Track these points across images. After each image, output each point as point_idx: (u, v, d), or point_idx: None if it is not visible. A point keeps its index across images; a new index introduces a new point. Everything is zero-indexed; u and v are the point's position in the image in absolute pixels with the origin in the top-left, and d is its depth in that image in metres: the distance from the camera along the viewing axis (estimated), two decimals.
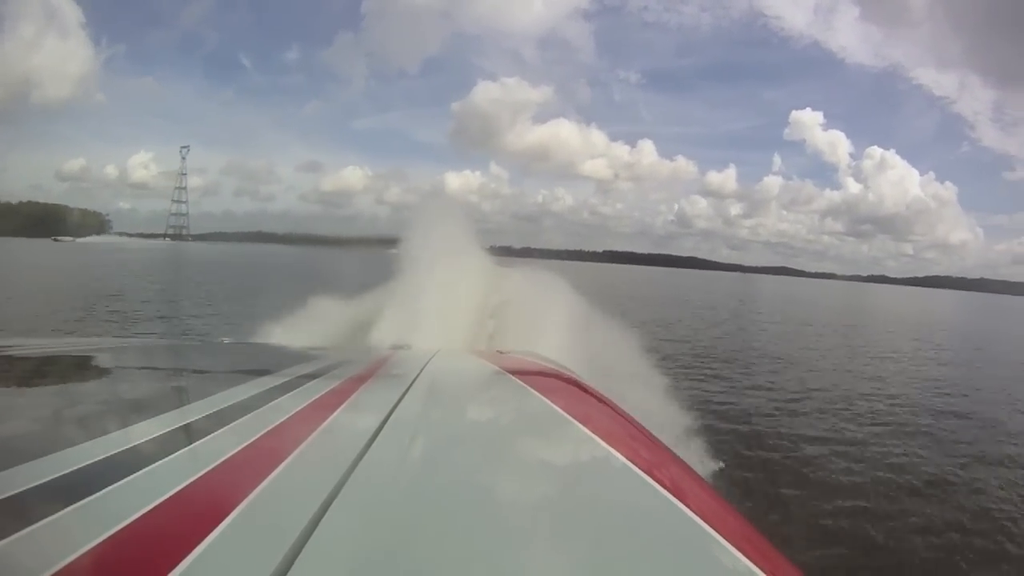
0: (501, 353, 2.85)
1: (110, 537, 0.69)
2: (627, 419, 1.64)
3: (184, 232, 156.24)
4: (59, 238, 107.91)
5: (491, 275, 7.54)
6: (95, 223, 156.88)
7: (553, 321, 5.91)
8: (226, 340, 3.53)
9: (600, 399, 1.82)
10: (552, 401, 1.61)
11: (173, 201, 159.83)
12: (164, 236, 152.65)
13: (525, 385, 1.85)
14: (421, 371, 1.92)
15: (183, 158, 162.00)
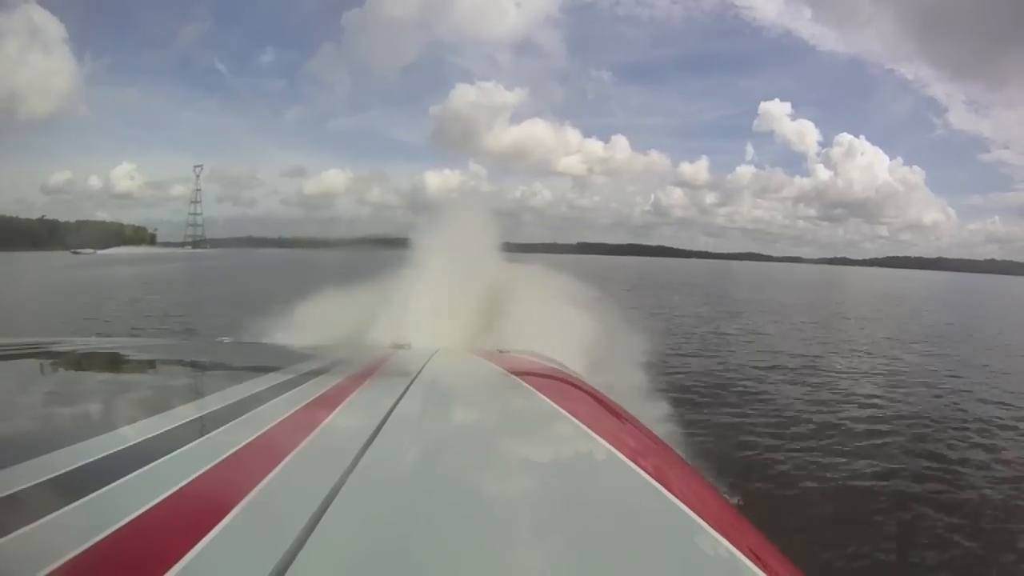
0: (501, 352, 2.73)
1: (111, 534, 0.67)
2: (627, 418, 1.59)
3: (201, 240, 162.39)
4: (78, 250, 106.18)
5: (497, 273, 7.35)
6: (145, 237, 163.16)
7: (557, 318, 5.79)
8: (226, 339, 3.41)
9: (600, 398, 1.75)
10: (552, 400, 1.54)
11: (190, 213, 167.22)
12: (183, 244, 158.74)
13: (525, 384, 1.77)
14: (421, 370, 1.84)
15: (197, 176, 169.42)
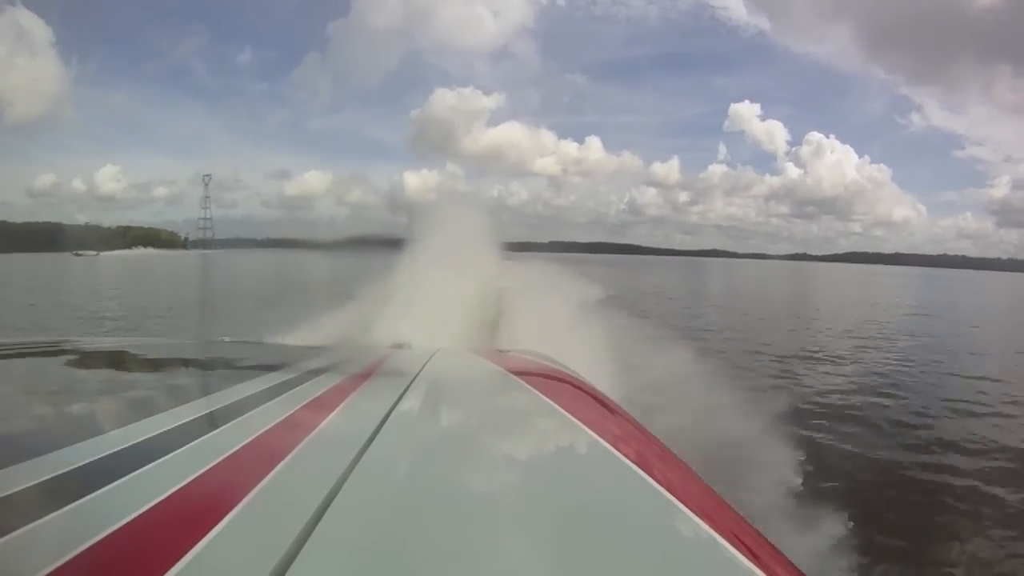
0: (501, 352, 2.65)
1: (111, 534, 0.65)
2: (627, 418, 1.53)
3: (210, 242, 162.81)
4: (80, 252, 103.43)
5: (496, 272, 7.15)
6: (178, 241, 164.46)
7: (556, 316, 5.67)
8: (226, 338, 3.30)
9: (600, 398, 1.68)
10: (552, 400, 1.47)
11: (200, 218, 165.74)
12: (194, 246, 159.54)
13: (525, 384, 1.69)
14: (421, 370, 1.76)
15: (206, 184, 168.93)
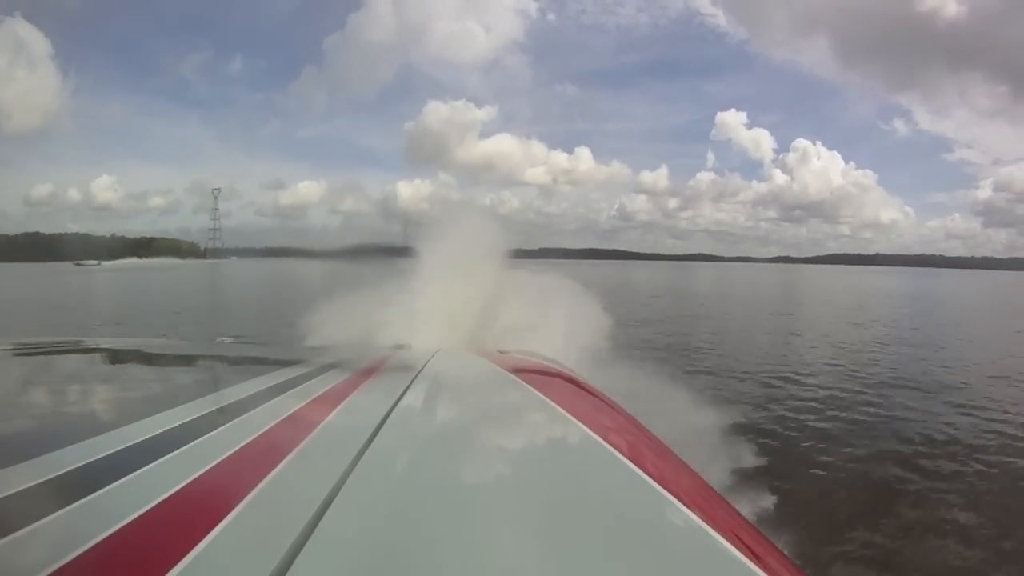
0: (501, 352, 2.62)
1: (113, 533, 0.64)
2: (627, 418, 1.50)
3: (218, 251, 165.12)
4: (82, 262, 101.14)
5: (499, 277, 7.07)
6: (198, 251, 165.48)
7: (556, 319, 5.63)
8: (227, 339, 3.27)
9: (600, 398, 1.65)
10: (552, 400, 1.44)
11: (210, 229, 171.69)
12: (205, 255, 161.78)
13: (525, 384, 1.66)
14: (421, 370, 1.73)
15: (215, 197, 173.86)
